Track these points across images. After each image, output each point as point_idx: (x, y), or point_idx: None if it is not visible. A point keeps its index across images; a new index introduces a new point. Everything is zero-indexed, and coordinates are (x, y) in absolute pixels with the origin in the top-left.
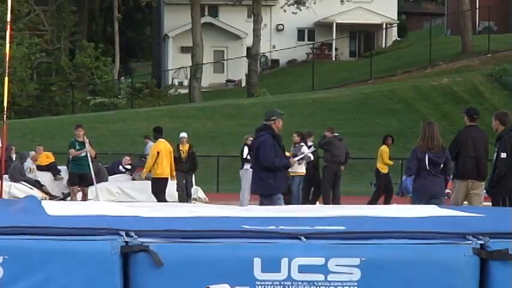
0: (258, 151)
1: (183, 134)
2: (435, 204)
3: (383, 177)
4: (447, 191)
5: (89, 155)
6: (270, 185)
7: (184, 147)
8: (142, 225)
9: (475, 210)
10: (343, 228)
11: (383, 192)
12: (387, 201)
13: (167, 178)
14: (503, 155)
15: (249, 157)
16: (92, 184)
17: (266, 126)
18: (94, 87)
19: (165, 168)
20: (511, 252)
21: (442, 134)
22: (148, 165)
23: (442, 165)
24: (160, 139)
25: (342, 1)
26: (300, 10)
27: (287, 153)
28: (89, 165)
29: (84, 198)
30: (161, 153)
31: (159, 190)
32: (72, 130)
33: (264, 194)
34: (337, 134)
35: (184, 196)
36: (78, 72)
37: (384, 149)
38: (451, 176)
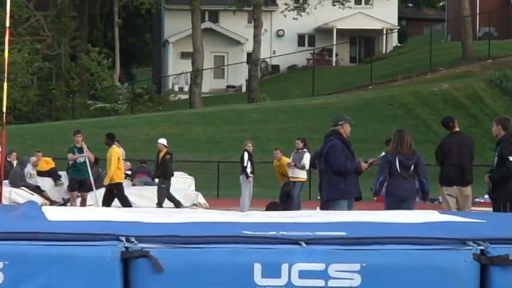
0: (328, 156)
1: (159, 140)
2: (407, 206)
3: None
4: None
5: (87, 160)
6: (341, 190)
7: (160, 154)
8: (142, 231)
9: (475, 215)
10: (343, 233)
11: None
12: None
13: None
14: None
15: (249, 165)
16: (92, 190)
17: (334, 132)
18: (95, 93)
19: (122, 173)
20: (511, 258)
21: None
22: (113, 171)
23: (412, 168)
24: (113, 145)
25: (342, 5)
26: (301, 16)
27: (288, 160)
28: (87, 171)
29: (83, 203)
30: (120, 159)
31: (122, 194)
32: (72, 135)
33: (335, 199)
34: None
35: (162, 202)
36: (80, 78)
37: None
38: (426, 179)
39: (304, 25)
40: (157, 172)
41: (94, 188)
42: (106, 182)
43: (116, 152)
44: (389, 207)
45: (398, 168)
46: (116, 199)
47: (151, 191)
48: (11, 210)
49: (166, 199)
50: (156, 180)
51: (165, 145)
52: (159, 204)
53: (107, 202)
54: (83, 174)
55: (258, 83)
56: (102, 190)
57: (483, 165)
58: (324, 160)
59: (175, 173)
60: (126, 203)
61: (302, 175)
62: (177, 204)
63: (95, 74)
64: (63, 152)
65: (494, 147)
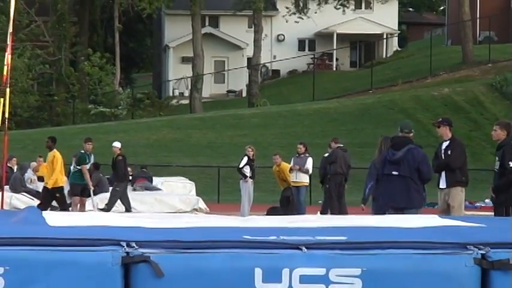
0: (421, 164)
1: (114, 143)
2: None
3: None
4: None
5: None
6: (424, 198)
7: (115, 157)
8: (143, 236)
9: (476, 220)
10: (344, 238)
11: None
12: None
13: None
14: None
15: (245, 168)
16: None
17: (408, 139)
18: (95, 98)
19: (64, 176)
20: None
21: None
22: (57, 174)
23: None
24: (54, 149)
25: (344, 10)
26: (302, 19)
27: (289, 165)
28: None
29: (82, 209)
30: (62, 162)
31: (64, 198)
32: (73, 141)
33: (419, 207)
34: (341, 145)
35: (112, 205)
36: (80, 83)
37: None
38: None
39: (305, 30)
40: (113, 175)
41: (92, 194)
42: (50, 185)
43: (59, 156)
44: (376, 210)
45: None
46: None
47: (152, 196)
48: (11, 215)
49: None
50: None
51: (119, 148)
52: (108, 208)
53: (45, 206)
54: (84, 180)
55: (258, 87)
56: (103, 195)
57: (483, 170)
58: (416, 170)
59: (176, 178)
60: (66, 206)
61: (305, 179)
62: (128, 209)
63: (95, 79)
64: (63, 157)
65: (495, 152)
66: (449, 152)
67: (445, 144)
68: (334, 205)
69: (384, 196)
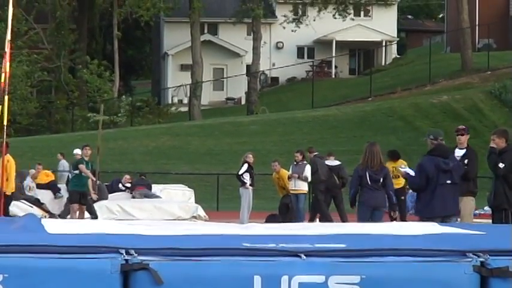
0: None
1: (76, 151)
2: (378, 214)
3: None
4: None
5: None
6: None
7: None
8: (142, 243)
9: (475, 227)
10: (343, 245)
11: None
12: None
13: None
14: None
15: (245, 175)
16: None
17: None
18: (94, 105)
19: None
20: (511, 270)
21: None
22: (12, 181)
23: (381, 181)
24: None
25: (346, 16)
26: (299, 27)
27: (288, 172)
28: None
29: (81, 216)
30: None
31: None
32: (72, 148)
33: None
34: (317, 153)
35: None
36: (79, 91)
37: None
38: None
39: (304, 37)
40: None
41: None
42: (9, 191)
43: (13, 162)
44: (362, 215)
45: (369, 181)
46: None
47: (151, 204)
48: (10, 223)
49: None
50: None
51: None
52: (95, 216)
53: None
54: (84, 187)
55: (257, 95)
56: (102, 203)
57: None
58: (456, 175)
59: (175, 185)
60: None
61: (304, 187)
62: (95, 217)
63: (94, 86)
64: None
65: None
66: (465, 161)
67: (460, 153)
68: (323, 212)
69: (437, 206)
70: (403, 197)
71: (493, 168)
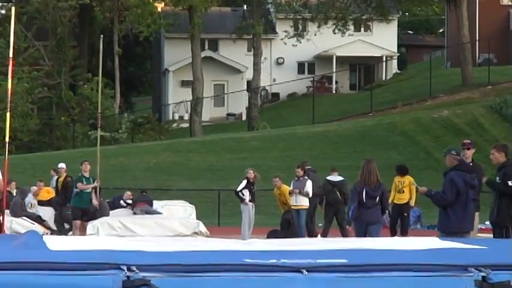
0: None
1: (61, 165)
2: (373, 229)
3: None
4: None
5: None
6: None
7: (60, 179)
8: (143, 260)
9: (476, 242)
10: (344, 261)
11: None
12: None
13: None
14: (511, 183)
15: (244, 191)
16: (93, 219)
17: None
18: (95, 121)
19: None
20: None
21: (443, 166)
22: None
23: (378, 198)
24: None
25: (344, 33)
26: (300, 42)
27: (289, 188)
28: (91, 201)
29: (83, 232)
30: None
31: None
32: (73, 165)
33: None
34: (309, 167)
35: (61, 229)
36: (80, 107)
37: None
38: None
39: (304, 53)
40: (62, 197)
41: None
42: None
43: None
44: (357, 230)
45: (364, 198)
46: None
47: (152, 220)
48: (12, 240)
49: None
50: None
51: (65, 169)
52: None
53: None
54: (85, 203)
55: (258, 110)
56: (104, 219)
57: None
58: (477, 191)
59: (176, 201)
60: None
61: (305, 202)
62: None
63: (94, 103)
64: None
65: (495, 173)
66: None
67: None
68: (311, 228)
69: (468, 221)
70: (406, 214)
71: (503, 186)
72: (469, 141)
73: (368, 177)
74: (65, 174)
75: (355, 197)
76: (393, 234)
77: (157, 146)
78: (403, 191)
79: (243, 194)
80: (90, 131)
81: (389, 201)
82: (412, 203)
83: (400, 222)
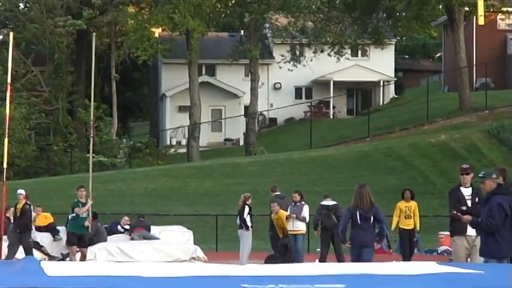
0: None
1: (20, 191)
2: (366, 251)
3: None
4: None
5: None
6: None
7: (19, 205)
8: (141, 285)
9: (473, 267)
10: (343, 286)
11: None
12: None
13: None
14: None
15: (248, 218)
16: (90, 245)
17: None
18: (93, 147)
19: None
20: None
21: (441, 191)
22: None
23: (372, 220)
24: None
25: (338, 60)
26: (297, 67)
27: (286, 213)
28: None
29: (83, 259)
30: None
31: None
32: (70, 190)
33: None
34: (278, 193)
35: (11, 257)
36: (77, 133)
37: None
38: (386, 225)
39: (301, 77)
40: (21, 224)
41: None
42: None
43: None
44: (352, 252)
45: (359, 220)
46: None
47: (150, 245)
48: (10, 265)
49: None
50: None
51: (24, 195)
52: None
53: None
54: (81, 229)
55: (255, 135)
56: (102, 245)
57: None
58: None
59: (174, 226)
60: None
61: (302, 227)
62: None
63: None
64: (61, 207)
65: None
66: (476, 200)
67: (467, 191)
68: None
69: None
70: (414, 239)
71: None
72: (468, 166)
73: (360, 201)
74: (24, 201)
75: (346, 218)
76: (408, 259)
77: (155, 171)
78: (411, 217)
79: (249, 221)
80: (88, 156)
81: (393, 227)
82: (418, 227)
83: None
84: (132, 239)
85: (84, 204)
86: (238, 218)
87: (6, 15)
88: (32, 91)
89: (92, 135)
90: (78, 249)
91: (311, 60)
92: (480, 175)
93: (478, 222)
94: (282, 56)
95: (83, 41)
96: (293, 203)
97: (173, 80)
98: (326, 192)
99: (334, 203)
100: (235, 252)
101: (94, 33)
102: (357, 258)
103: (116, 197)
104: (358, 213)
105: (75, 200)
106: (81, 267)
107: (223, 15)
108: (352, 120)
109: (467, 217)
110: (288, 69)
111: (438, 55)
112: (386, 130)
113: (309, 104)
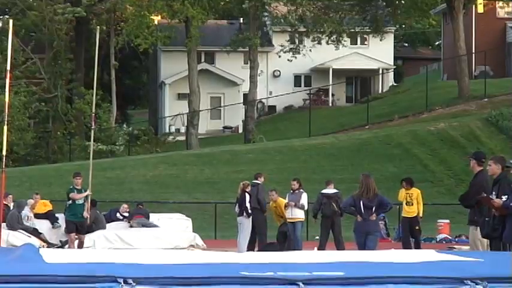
0: None
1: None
2: (371, 238)
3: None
4: None
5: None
6: None
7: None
8: (140, 273)
9: (473, 254)
10: (342, 273)
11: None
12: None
13: None
14: (504, 197)
15: (249, 205)
16: (89, 232)
17: None
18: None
19: None
20: None
21: (440, 179)
22: None
23: (374, 208)
24: None
25: (337, 47)
26: (296, 58)
27: (285, 200)
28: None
29: (81, 246)
30: None
31: None
32: (69, 178)
33: None
34: (256, 181)
35: None
36: (76, 120)
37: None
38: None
39: (300, 65)
40: None
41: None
42: None
43: None
44: (357, 240)
45: (362, 209)
46: None
47: (149, 233)
48: (8, 253)
49: None
50: None
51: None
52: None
53: None
54: (79, 216)
55: (254, 123)
56: (100, 232)
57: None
58: None
59: (172, 214)
60: None
61: (301, 215)
62: None
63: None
64: (60, 194)
65: (491, 186)
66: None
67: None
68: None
69: None
70: (417, 227)
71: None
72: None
73: (366, 191)
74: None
75: (349, 201)
76: (408, 248)
77: (154, 158)
78: (412, 204)
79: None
80: (87, 143)
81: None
82: (421, 214)
83: (411, 235)
84: (131, 226)
85: (79, 191)
86: (237, 205)
87: (5, 3)
88: (31, 79)
89: (93, 127)
90: (76, 237)
91: (310, 50)
92: (509, 163)
93: (510, 206)
94: (282, 45)
95: (82, 28)
96: (291, 191)
97: (172, 68)
98: (325, 180)
99: (335, 191)
100: (234, 239)
101: (98, 26)
102: (362, 246)
103: (115, 184)
104: (361, 202)
105: (71, 187)
106: (80, 255)
107: (222, 2)
108: (351, 108)
109: (499, 201)
110: (288, 60)
111: (437, 43)
112: (385, 118)
113: (308, 92)
